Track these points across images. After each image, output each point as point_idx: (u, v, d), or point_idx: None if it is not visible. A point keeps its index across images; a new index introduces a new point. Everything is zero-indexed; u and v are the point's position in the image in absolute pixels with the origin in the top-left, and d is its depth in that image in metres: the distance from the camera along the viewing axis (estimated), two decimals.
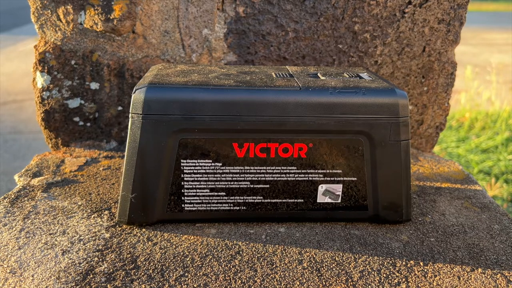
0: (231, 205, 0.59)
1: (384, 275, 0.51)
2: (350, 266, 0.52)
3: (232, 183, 0.58)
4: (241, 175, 0.58)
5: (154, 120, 0.54)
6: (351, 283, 0.50)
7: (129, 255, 0.53)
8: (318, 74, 0.63)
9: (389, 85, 0.59)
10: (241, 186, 0.58)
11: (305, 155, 0.57)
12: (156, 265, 0.51)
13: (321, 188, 0.59)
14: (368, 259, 0.54)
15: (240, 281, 0.49)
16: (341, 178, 0.59)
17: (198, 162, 0.57)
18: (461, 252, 0.56)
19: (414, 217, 0.64)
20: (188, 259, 0.53)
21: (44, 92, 0.83)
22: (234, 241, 0.57)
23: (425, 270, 0.52)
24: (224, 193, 0.59)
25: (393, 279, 0.50)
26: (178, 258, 0.53)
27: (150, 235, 0.57)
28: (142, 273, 0.50)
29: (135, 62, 0.83)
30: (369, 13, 0.80)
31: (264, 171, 0.58)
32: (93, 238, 0.56)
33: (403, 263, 0.53)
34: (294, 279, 0.50)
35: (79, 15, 0.79)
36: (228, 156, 0.57)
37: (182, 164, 0.57)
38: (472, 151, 2.18)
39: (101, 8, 0.78)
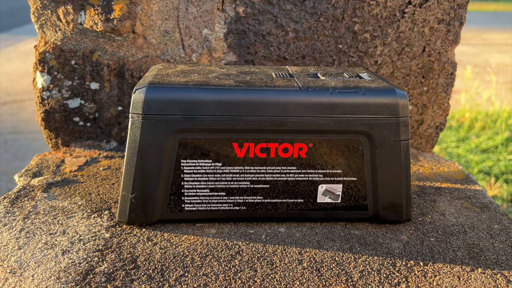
0: (231, 205, 0.59)
1: (384, 275, 0.51)
2: (350, 266, 0.53)
3: (232, 183, 0.58)
4: (241, 175, 0.58)
5: (154, 120, 0.54)
6: (351, 283, 0.50)
7: (129, 255, 0.53)
8: (318, 74, 0.63)
9: (389, 85, 0.59)
10: (241, 186, 0.58)
11: (305, 155, 0.57)
12: (156, 265, 0.51)
13: (321, 188, 0.59)
14: (368, 259, 0.54)
15: (240, 281, 0.49)
16: (341, 178, 0.59)
17: (198, 162, 0.57)
18: (461, 252, 0.56)
19: (414, 217, 0.64)
20: (188, 259, 0.53)
21: (44, 92, 0.83)
22: (234, 241, 0.57)
23: (425, 270, 0.52)
24: (224, 193, 0.59)
25: (393, 279, 0.50)
26: (178, 258, 0.53)
27: (150, 235, 0.57)
28: (142, 273, 0.50)
29: (135, 62, 0.83)
30: (369, 13, 0.80)
31: (264, 171, 0.58)
32: (93, 238, 0.56)
33: (403, 263, 0.53)
34: (294, 279, 0.50)
35: (79, 15, 0.79)
36: (228, 156, 0.57)
37: (182, 164, 0.57)
38: (472, 151, 2.18)
39: (101, 8, 0.78)
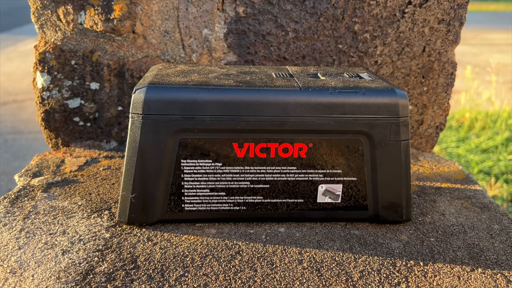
0: (231, 205, 0.59)
1: (384, 275, 0.51)
2: (350, 266, 0.53)
3: (232, 183, 0.58)
4: (241, 175, 0.58)
5: (154, 120, 0.54)
6: (351, 283, 0.50)
7: (129, 255, 0.53)
8: (318, 74, 0.63)
9: (389, 85, 0.59)
10: (241, 186, 0.58)
11: (305, 155, 0.57)
12: (156, 265, 0.51)
13: (321, 188, 0.59)
14: (368, 259, 0.54)
15: (240, 281, 0.49)
16: (341, 178, 0.59)
17: (198, 162, 0.57)
18: (461, 252, 0.56)
19: (414, 217, 0.64)
20: (188, 259, 0.53)
21: (44, 92, 0.83)
22: (234, 241, 0.57)
23: (425, 270, 0.52)
24: (224, 193, 0.59)
25: (393, 279, 0.50)
26: (178, 258, 0.53)
27: (150, 235, 0.57)
28: (142, 273, 0.50)
29: (135, 62, 0.83)
30: (369, 13, 0.80)
31: (264, 171, 0.58)
32: (93, 238, 0.56)
33: (403, 263, 0.53)
34: (294, 279, 0.50)
35: (79, 15, 0.79)
36: (228, 156, 0.57)
37: (182, 164, 0.57)
38: (472, 151, 2.18)
39: (101, 8, 0.78)
